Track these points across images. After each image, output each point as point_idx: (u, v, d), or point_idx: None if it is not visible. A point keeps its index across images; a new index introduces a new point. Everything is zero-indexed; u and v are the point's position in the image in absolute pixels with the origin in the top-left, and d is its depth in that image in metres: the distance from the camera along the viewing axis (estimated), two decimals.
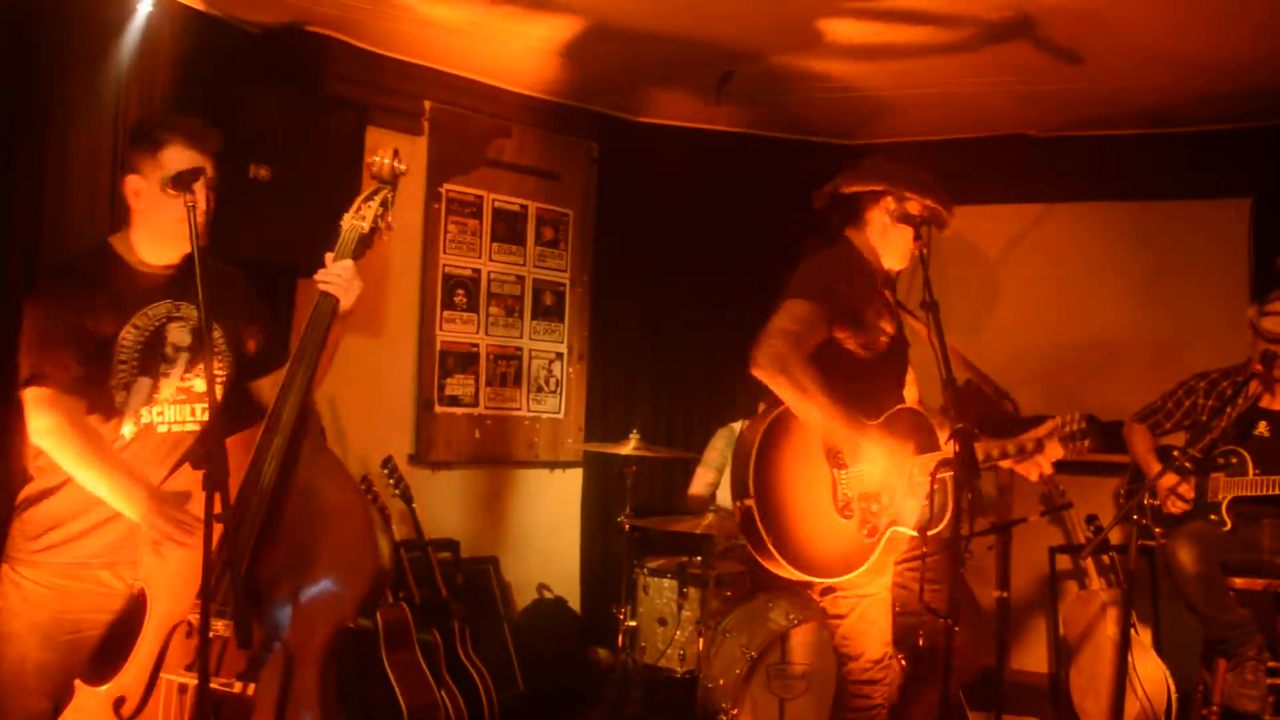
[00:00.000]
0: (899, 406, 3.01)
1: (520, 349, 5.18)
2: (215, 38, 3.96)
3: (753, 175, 5.39)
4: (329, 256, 2.49)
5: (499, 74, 4.88)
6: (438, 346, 4.87)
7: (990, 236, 5.56)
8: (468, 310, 4.98)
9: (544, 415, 5.25)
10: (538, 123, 5.18)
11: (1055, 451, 2.94)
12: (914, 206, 3.05)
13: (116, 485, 2.40)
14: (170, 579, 2.33)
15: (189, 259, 2.50)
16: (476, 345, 5.01)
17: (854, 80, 4.65)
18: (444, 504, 4.82)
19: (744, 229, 5.27)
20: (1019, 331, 5.37)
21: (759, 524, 2.81)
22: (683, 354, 5.42)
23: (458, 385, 4.93)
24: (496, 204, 5.10)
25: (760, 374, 2.85)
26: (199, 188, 2.34)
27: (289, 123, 3.97)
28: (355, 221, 2.51)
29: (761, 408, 3.00)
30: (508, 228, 5.15)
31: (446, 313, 4.91)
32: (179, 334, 2.57)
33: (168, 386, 2.55)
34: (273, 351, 2.73)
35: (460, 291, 4.96)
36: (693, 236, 5.41)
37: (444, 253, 4.91)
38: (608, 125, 5.36)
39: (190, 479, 2.30)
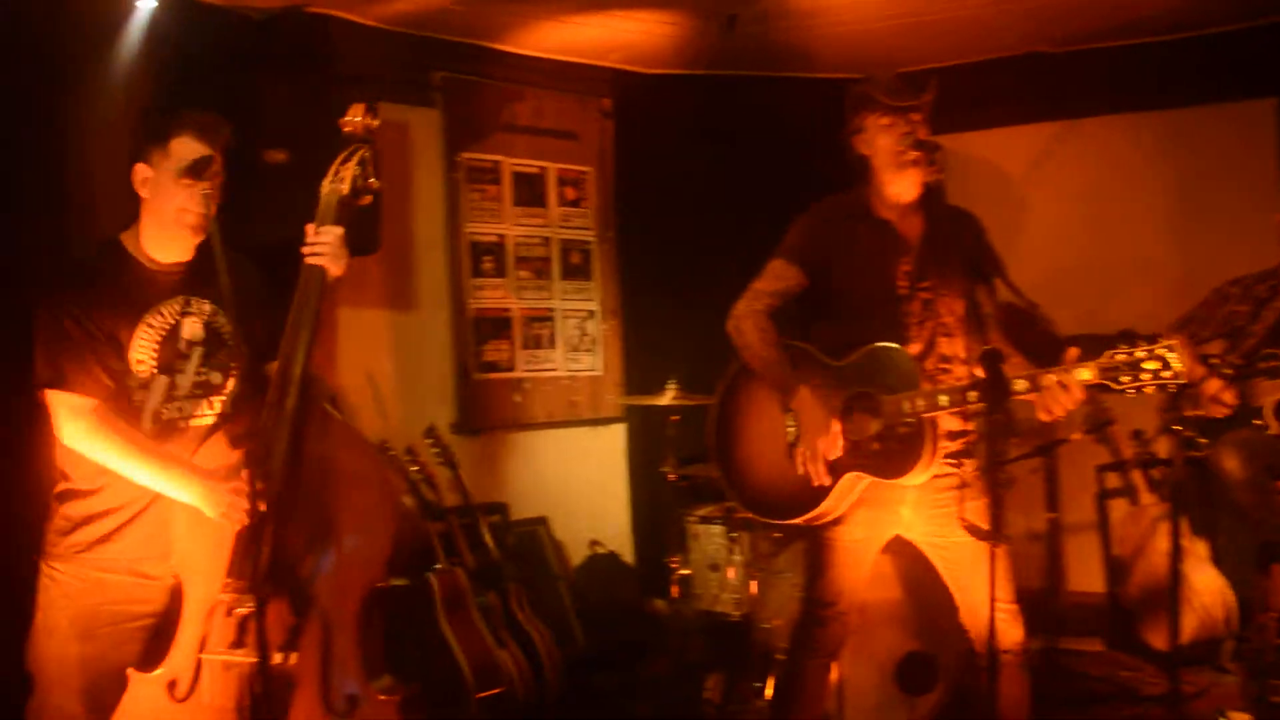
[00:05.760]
0: (874, 345, 2.93)
1: (552, 310, 5.21)
2: (219, 27, 3.99)
3: (767, 117, 5.33)
4: (310, 228, 2.47)
5: (505, 38, 4.86)
6: (470, 314, 4.90)
7: (1013, 158, 5.49)
8: (496, 276, 5.01)
9: (582, 374, 5.28)
10: (549, 83, 5.17)
11: (1073, 392, 2.71)
12: (875, 119, 2.99)
13: (170, 474, 2.42)
14: (203, 562, 2.40)
15: (199, 253, 2.54)
16: (508, 310, 5.04)
17: (857, 12, 4.59)
18: (490, 469, 4.88)
19: (763, 171, 5.23)
20: (1049, 251, 5.30)
21: (718, 468, 3.17)
22: (715, 298, 5.37)
23: (493, 351, 4.97)
24: (515, 168, 5.12)
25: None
26: (204, 178, 2.35)
27: (300, 105, 3.99)
28: (334, 185, 2.49)
29: None
30: (528, 191, 5.16)
31: (476, 280, 4.93)
32: (192, 329, 2.57)
33: (184, 382, 2.56)
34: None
35: (487, 258, 4.98)
36: (715, 183, 5.38)
37: (468, 221, 4.92)
38: (620, 80, 5.33)
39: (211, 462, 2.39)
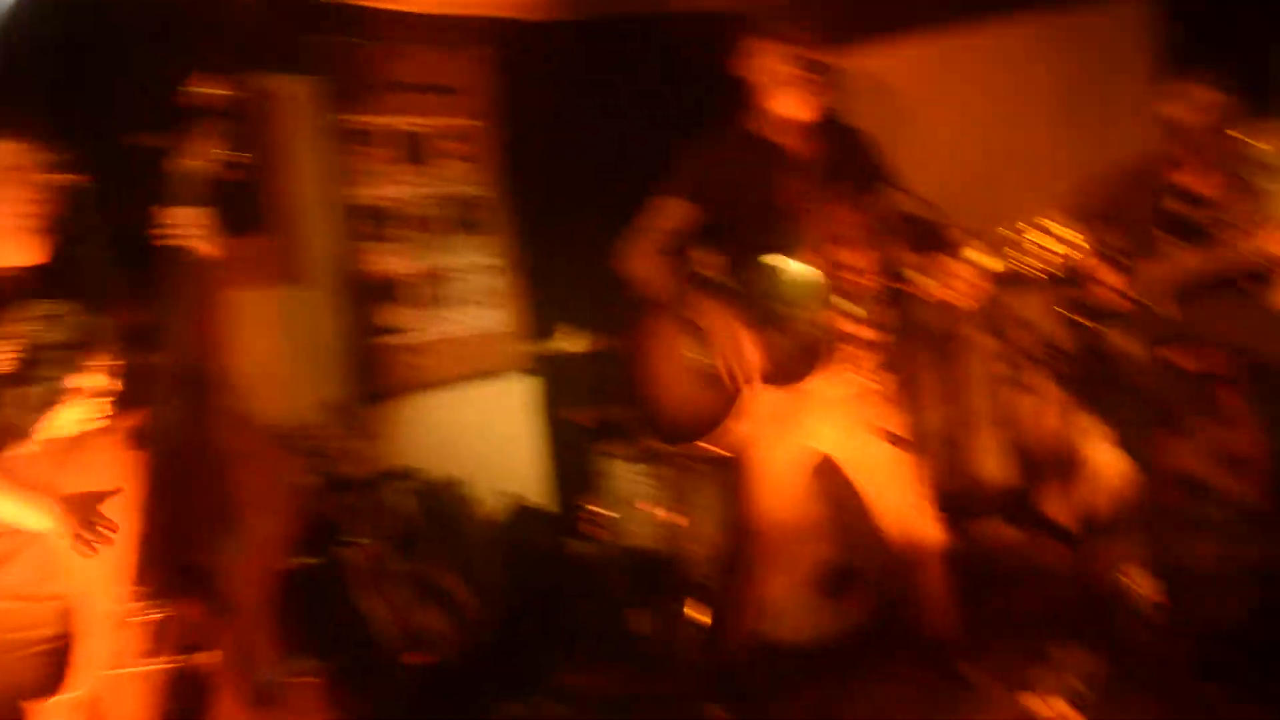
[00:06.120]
0: (772, 261, 3.04)
1: (449, 268, 5.15)
2: (78, 13, 3.81)
3: (656, 55, 5.27)
4: (174, 210, 2.39)
5: None
6: (364, 281, 4.81)
7: (898, 70, 5.52)
8: (388, 240, 4.92)
9: (484, 329, 5.23)
10: (429, 38, 5.05)
11: (976, 278, 2.92)
12: (763, 43, 3.03)
13: (20, 502, 2.32)
14: (99, 573, 2.32)
15: (50, 253, 2.45)
16: (404, 272, 4.97)
17: None
18: (399, 434, 4.83)
19: (656, 110, 5.19)
20: (940, 160, 5.32)
21: (630, 404, 3.29)
22: (617, 241, 5.37)
23: (391, 315, 4.90)
24: (400, 128, 5.01)
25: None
26: (37, 176, 2.28)
27: (169, 85, 3.85)
28: (192, 162, 2.42)
29: None
30: (415, 149, 5.07)
31: (367, 245, 4.84)
32: (58, 333, 2.47)
33: (50, 390, 2.46)
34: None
35: (378, 222, 4.90)
36: (610, 125, 5.30)
37: (354, 186, 4.82)
38: (503, 29, 5.21)
39: (86, 481, 2.32)
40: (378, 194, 4.91)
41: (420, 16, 4.96)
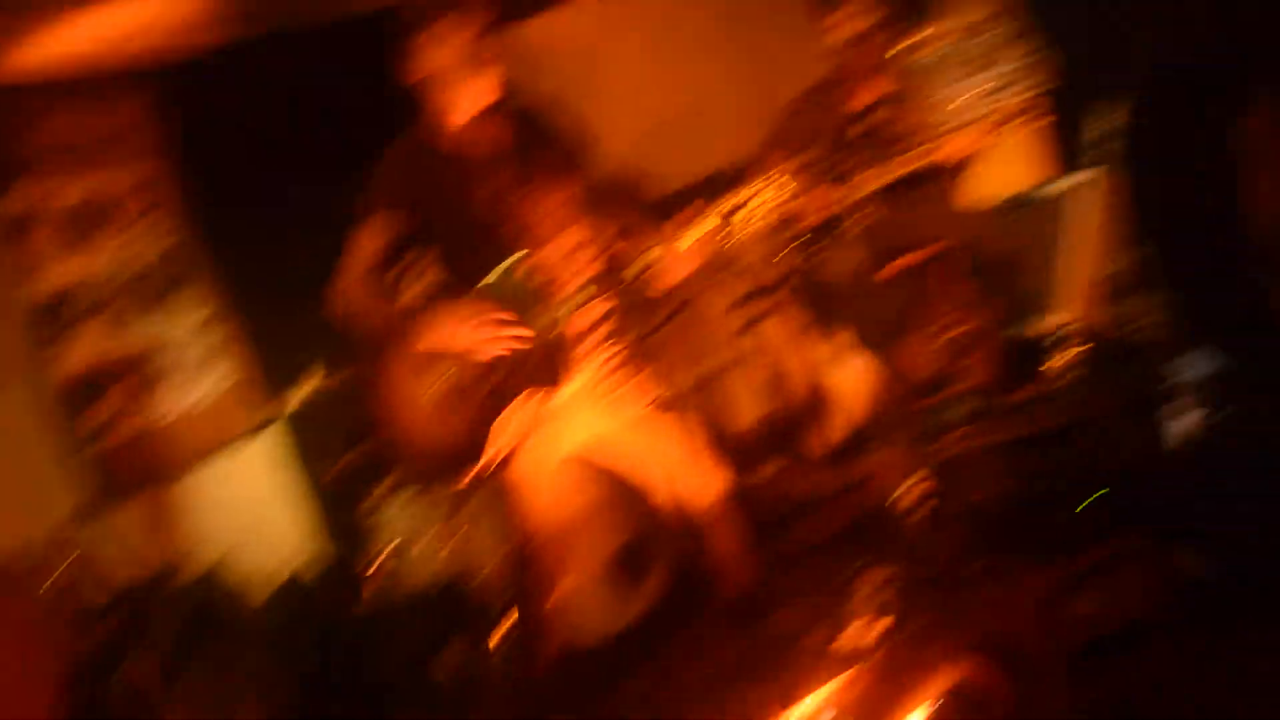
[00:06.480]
0: (494, 274, 3.00)
1: (162, 337, 4.82)
2: None
3: (339, 68, 5.01)
4: None
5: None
6: (68, 377, 4.43)
7: (562, 40, 5.49)
8: (85, 323, 4.55)
9: (215, 393, 4.94)
10: (79, 93, 4.64)
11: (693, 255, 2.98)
12: (426, 38, 2.95)
13: None
14: None
15: None
16: (113, 354, 4.61)
17: None
18: (148, 535, 4.47)
19: (351, 125, 4.97)
20: (630, 117, 5.39)
21: (384, 446, 3.13)
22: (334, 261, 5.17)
23: (109, 407, 4.54)
24: (67, 199, 4.62)
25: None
26: None
27: None
28: None
29: None
30: (91, 219, 4.70)
31: (62, 335, 4.46)
32: None
33: None
34: None
35: (68, 307, 4.52)
36: (302, 147, 5.07)
37: (31, 274, 4.41)
38: (162, 66, 4.84)
39: None
40: (60, 279, 4.52)
41: (66, 73, 4.55)
